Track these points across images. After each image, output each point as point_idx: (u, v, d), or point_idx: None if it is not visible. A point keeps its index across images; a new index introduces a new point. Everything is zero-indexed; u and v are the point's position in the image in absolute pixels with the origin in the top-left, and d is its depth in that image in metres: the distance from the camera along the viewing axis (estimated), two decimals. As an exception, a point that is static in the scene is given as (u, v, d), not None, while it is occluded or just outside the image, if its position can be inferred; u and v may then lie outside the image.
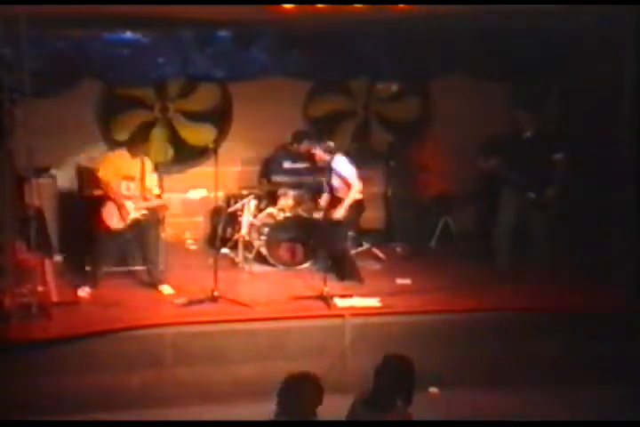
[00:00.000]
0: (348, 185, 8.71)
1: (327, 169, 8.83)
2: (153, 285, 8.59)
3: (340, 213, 8.67)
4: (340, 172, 8.76)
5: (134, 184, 8.46)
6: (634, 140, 8.41)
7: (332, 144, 8.83)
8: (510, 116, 9.46)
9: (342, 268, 8.89)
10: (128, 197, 8.37)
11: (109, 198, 8.34)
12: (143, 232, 8.52)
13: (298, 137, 9.76)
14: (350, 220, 8.87)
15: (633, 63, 8.26)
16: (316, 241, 9.22)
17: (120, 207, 8.31)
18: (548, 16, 8.21)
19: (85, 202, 8.92)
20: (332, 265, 8.91)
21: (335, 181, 8.82)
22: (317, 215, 9.49)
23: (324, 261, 8.87)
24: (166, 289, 8.46)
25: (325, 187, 9.08)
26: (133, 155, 8.50)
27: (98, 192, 8.56)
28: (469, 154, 9.48)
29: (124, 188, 8.43)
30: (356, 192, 8.72)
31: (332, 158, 8.80)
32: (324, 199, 9.19)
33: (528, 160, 8.91)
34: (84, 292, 8.33)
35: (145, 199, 8.46)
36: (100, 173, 8.41)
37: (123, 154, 8.56)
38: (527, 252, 9.10)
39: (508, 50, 9.17)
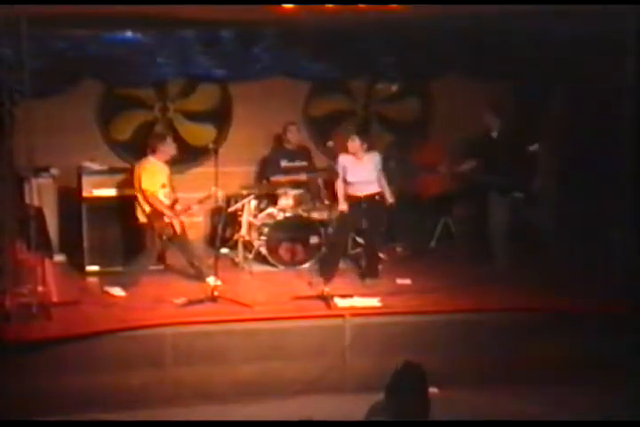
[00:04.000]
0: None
1: (360, 165, 8.75)
2: (198, 278, 8.68)
3: (390, 199, 8.90)
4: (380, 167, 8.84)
5: (167, 191, 8.58)
6: (634, 139, 8.40)
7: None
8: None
9: (371, 263, 8.96)
10: (171, 207, 8.51)
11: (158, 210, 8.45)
12: (182, 231, 8.64)
13: (284, 127, 9.84)
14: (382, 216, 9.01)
15: (633, 63, 8.25)
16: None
17: (166, 216, 8.44)
18: (548, 16, 8.21)
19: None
20: (365, 261, 9.03)
21: (363, 177, 8.75)
22: (319, 215, 9.52)
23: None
24: (212, 281, 8.40)
25: (352, 187, 8.88)
26: (164, 161, 8.60)
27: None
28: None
29: (162, 195, 8.51)
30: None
31: (370, 154, 8.81)
32: (342, 205, 8.90)
33: (502, 159, 8.92)
34: (121, 292, 8.38)
35: (175, 204, 8.58)
36: (144, 186, 8.44)
37: (153, 161, 8.59)
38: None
39: (508, 50, 9.16)
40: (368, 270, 8.95)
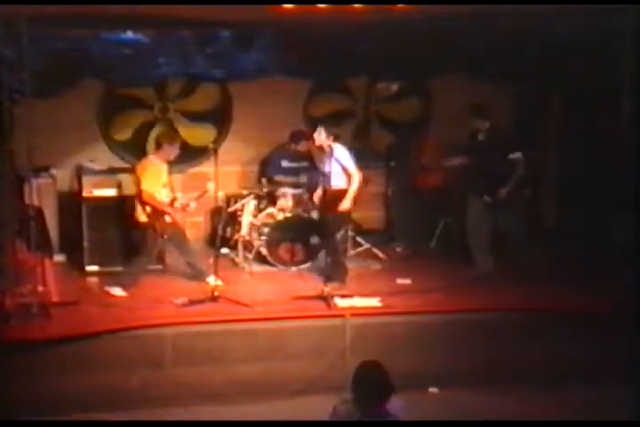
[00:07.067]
0: (348, 174, 8.71)
1: (326, 156, 8.65)
2: (198, 277, 8.64)
3: (347, 204, 8.69)
4: (340, 160, 8.72)
5: (167, 190, 8.58)
6: (634, 139, 8.41)
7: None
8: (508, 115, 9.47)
9: (332, 266, 8.81)
10: (170, 206, 8.50)
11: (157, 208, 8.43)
12: (181, 231, 8.63)
13: (295, 137, 9.78)
14: (343, 215, 8.87)
15: (633, 63, 8.26)
16: (319, 239, 9.20)
17: (167, 215, 8.44)
18: (548, 16, 8.21)
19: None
20: (328, 263, 8.87)
21: (334, 168, 8.64)
22: (314, 215, 9.52)
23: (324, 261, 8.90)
24: (212, 281, 8.39)
25: (320, 179, 8.94)
26: (163, 161, 8.59)
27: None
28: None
29: (163, 194, 8.50)
30: (357, 182, 8.73)
31: (333, 145, 8.70)
32: (317, 195, 9.14)
33: (484, 162, 8.91)
34: (121, 292, 8.39)
35: (174, 202, 8.56)
36: (144, 186, 8.41)
37: (154, 161, 8.59)
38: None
39: (508, 50, 9.16)
40: (332, 274, 8.68)
